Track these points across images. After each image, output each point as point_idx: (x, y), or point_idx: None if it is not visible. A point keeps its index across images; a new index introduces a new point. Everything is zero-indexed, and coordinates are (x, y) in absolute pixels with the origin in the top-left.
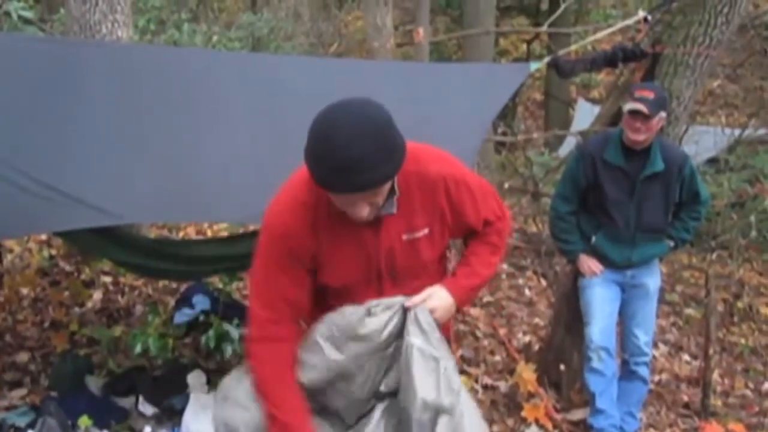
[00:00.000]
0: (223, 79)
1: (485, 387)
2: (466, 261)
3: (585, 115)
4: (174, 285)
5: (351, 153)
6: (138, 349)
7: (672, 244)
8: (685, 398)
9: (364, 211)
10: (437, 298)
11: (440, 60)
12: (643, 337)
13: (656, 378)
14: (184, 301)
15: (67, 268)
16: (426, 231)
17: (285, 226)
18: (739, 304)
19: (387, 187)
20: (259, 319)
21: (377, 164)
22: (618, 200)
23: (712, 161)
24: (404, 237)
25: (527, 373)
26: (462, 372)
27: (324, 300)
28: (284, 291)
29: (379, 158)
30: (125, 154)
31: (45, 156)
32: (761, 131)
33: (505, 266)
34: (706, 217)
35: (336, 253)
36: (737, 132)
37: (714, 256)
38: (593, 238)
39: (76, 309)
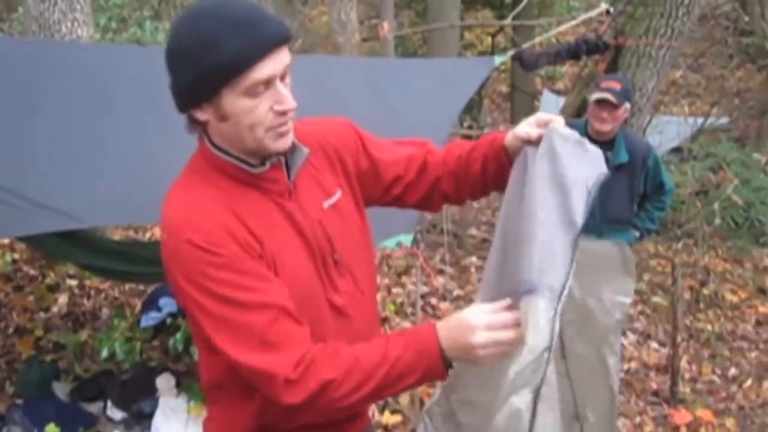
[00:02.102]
0: None
1: None
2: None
3: (550, 106)
4: (141, 287)
5: (244, 7)
6: (105, 353)
7: (638, 234)
8: (654, 386)
9: (288, 97)
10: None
11: (405, 54)
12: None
13: (625, 366)
14: (151, 303)
15: (31, 272)
16: (339, 193)
17: (214, 231)
18: (705, 291)
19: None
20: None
21: (274, 16)
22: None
23: (676, 150)
24: (324, 204)
25: None
26: None
27: None
28: (266, 292)
29: (270, 13)
30: (87, 156)
31: (5, 160)
32: (723, 120)
33: (474, 259)
34: (671, 207)
35: (274, 242)
36: (700, 121)
37: (680, 244)
38: None
39: (41, 314)
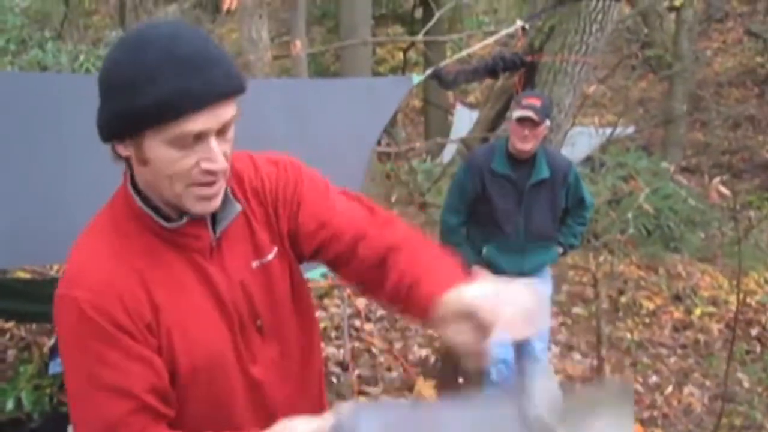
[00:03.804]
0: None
1: None
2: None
3: (463, 120)
4: (49, 325)
5: (192, 46)
6: (10, 405)
7: (561, 250)
8: None
9: (220, 158)
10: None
11: (318, 71)
12: (538, 344)
13: None
14: None
15: None
16: (275, 251)
17: (102, 292)
18: (623, 299)
19: (233, 125)
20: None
21: (228, 61)
22: (507, 210)
23: (586, 160)
24: (254, 264)
25: (426, 389)
26: (360, 393)
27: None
28: (134, 377)
29: (224, 56)
30: None
31: None
32: (629, 129)
33: None
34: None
35: (180, 307)
36: (608, 131)
37: (601, 258)
38: (484, 250)
39: None
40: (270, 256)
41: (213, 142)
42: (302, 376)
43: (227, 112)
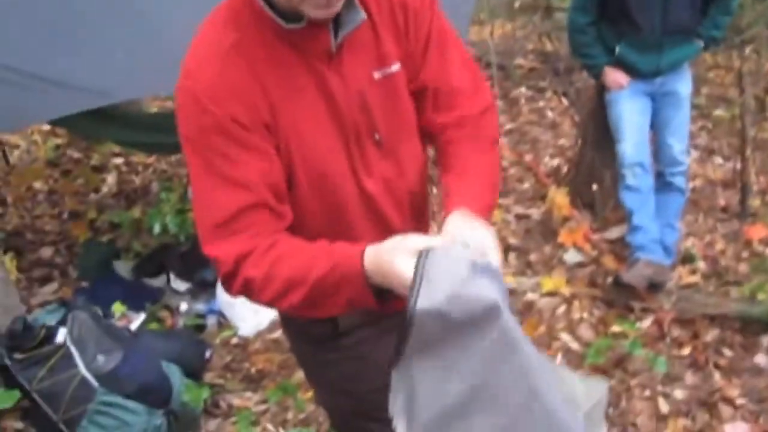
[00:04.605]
0: None
1: (518, 217)
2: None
3: None
4: None
5: None
6: (157, 229)
7: (702, 44)
8: (723, 202)
9: None
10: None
11: None
12: (677, 145)
13: (691, 185)
14: None
15: (75, 155)
16: (398, 65)
17: (219, 84)
18: None
19: None
20: (227, 220)
21: None
22: (641, 1)
23: None
24: (376, 75)
25: (560, 197)
26: None
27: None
28: (252, 169)
29: None
30: (105, 29)
31: (23, 44)
32: None
33: (523, 89)
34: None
35: (295, 110)
36: None
37: (746, 51)
38: (617, 48)
39: (92, 195)
40: (394, 68)
41: None
42: (413, 197)
43: None
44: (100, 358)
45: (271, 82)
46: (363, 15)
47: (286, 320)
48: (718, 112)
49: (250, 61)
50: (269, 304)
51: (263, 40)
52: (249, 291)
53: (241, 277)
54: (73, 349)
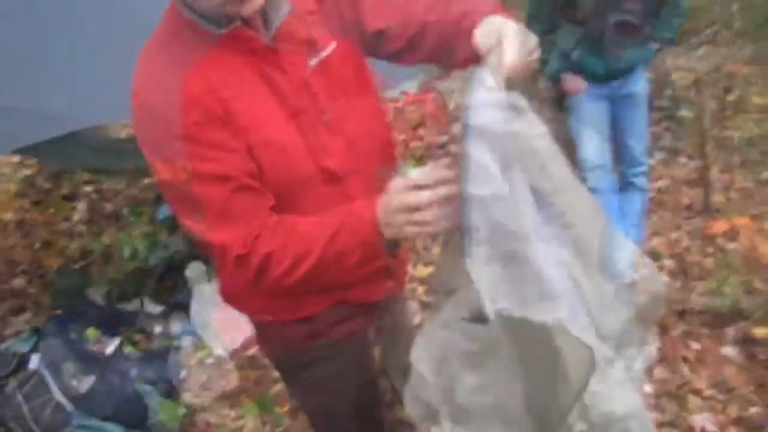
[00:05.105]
0: None
1: None
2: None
3: None
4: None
5: None
6: (127, 253)
7: (656, 46)
8: (687, 200)
9: None
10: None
11: None
12: (637, 146)
13: (656, 185)
14: None
15: (45, 185)
16: (333, 46)
17: (174, 94)
18: (730, 98)
19: None
20: (217, 209)
21: None
22: (595, 6)
23: None
24: (312, 61)
25: None
26: None
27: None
28: (226, 164)
29: None
30: (70, 55)
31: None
32: None
33: None
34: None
35: (249, 108)
36: None
37: (700, 51)
38: (573, 54)
39: (63, 224)
40: (328, 50)
41: None
42: (381, 153)
43: None
44: (74, 382)
45: (219, 85)
46: (288, 7)
47: (264, 327)
48: (682, 113)
49: (195, 69)
50: (284, 276)
51: (204, 49)
52: (267, 266)
53: (256, 256)
54: (47, 374)
